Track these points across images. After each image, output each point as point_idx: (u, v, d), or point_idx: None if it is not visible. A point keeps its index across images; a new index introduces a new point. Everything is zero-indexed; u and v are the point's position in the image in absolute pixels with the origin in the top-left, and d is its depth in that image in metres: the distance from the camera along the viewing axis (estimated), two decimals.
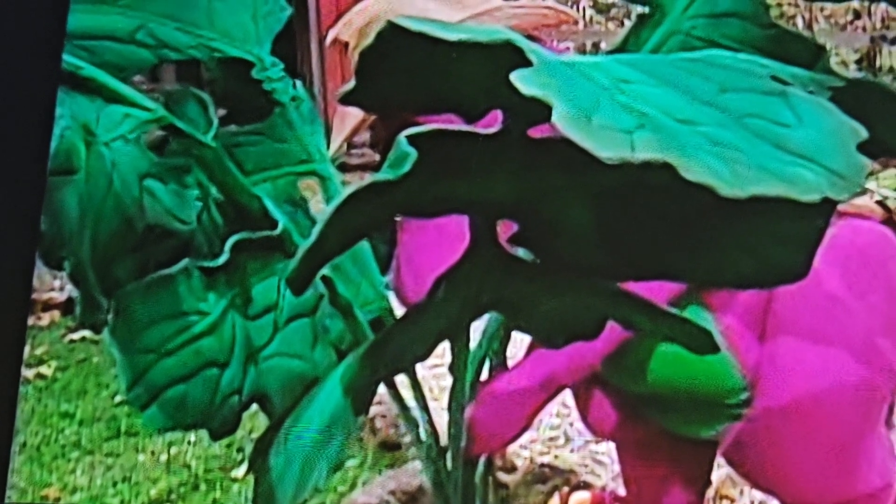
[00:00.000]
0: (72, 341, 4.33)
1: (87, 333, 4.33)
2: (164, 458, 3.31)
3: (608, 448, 3.18)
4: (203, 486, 3.23)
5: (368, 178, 1.04)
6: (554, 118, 0.81)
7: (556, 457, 2.96)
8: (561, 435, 3.28)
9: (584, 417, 1.83)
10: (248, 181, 1.47)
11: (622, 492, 2.19)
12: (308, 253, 1.08)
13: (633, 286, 1.32)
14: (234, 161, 1.45)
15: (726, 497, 2.45)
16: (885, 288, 1.62)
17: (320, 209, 1.52)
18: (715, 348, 1.35)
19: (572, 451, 3.03)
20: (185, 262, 1.35)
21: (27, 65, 1.15)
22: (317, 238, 1.05)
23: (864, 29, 7.82)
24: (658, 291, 1.42)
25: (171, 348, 1.40)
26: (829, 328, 1.57)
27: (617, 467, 3.07)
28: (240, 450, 3.25)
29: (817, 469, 1.60)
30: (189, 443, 3.35)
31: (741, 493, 2.46)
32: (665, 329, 1.38)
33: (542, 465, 2.90)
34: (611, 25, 9.24)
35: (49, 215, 1.28)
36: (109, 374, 3.99)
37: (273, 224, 1.38)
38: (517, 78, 0.84)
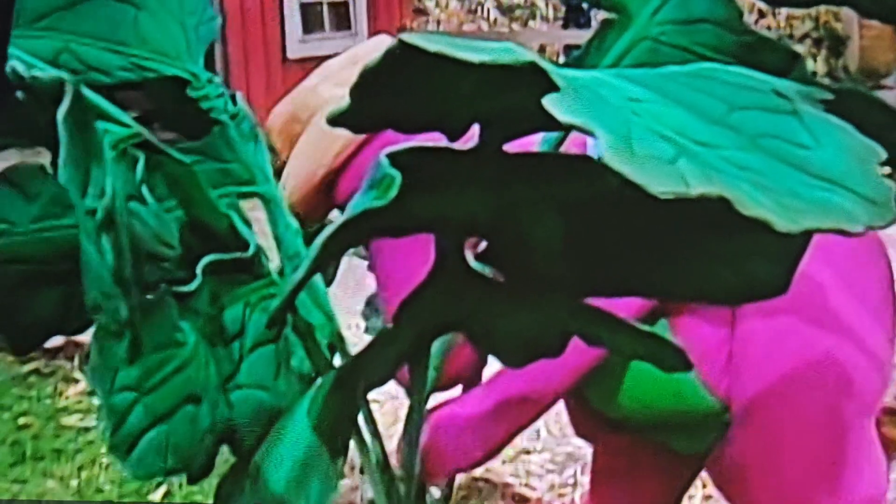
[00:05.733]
0: None
1: None
2: (74, 483, 3.19)
3: (541, 459, 3.17)
4: None
5: (355, 204, 0.98)
6: (599, 150, 0.76)
7: (488, 469, 2.93)
8: None
9: (571, 418, 1.80)
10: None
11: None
12: (297, 285, 1.02)
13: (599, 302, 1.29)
14: None
15: None
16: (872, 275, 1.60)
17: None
18: (688, 365, 1.31)
19: (504, 462, 3.00)
20: (162, 288, 1.25)
21: None
22: (307, 270, 0.99)
23: (769, 28, 7.98)
24: (625, 307, 1.39)
25: (151, 385, 1.31)
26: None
27: (551, 478, 3.07)
28: None
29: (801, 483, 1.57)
30: (101, 466, 3.24)
31: None
32: (633, 346, 1.34)
33: (476, 479, 2.87)
34: (515, 26, 9.32)
35: None
36: (11, 395, 3.85)
37: (242, 245, 1.30)
38: (551, 104, 0.79)
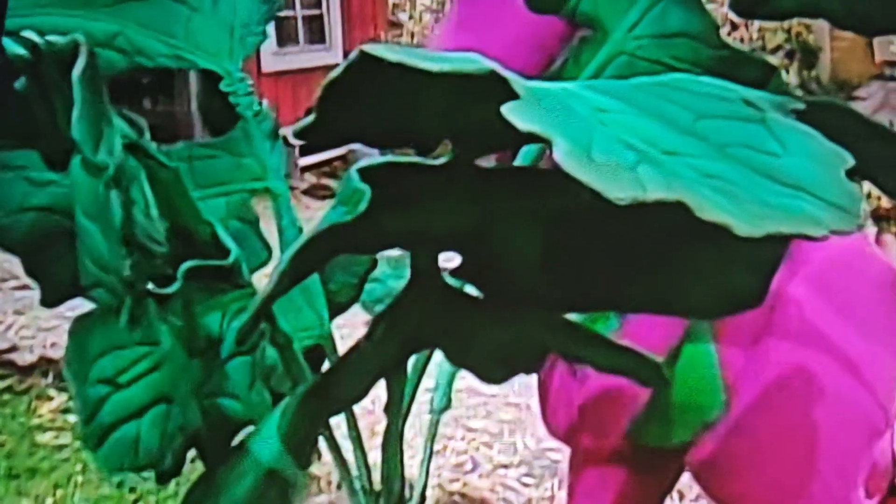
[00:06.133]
0: None
1: None
2: (49, 501, 3.17)
3: (518, 473, 3.17)
4: None
5: (323, 219, 0.97)
6: (557, 157, 0.75)
7: (465, 484, 2.92)
8: (468, 461, 3.27)
9: (545, 415, 1.80)
10: (201, 193, 1.45)
11: None
12: (265, 301, 1.01)
13: (632, 327, 1.28)
14: (189, 176, 1.43)
15: None
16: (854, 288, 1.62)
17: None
18: (665, 382, 1.32)
19: (481, 476, 3.00)
20: (142, 286, 1.27)
21: None
22: (274, 285, 0.99)
23: (741, 40, 8.03)
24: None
25: (126, 380, 1.34)
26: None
27: (529, 492, 3.07)
28: (132, 489, 3.14)
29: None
30: (76, 484, 3.22)
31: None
32: (612, 360, 1.33)
33: (453, 494, 2.85)
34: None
35: None
36: None
37: (223, 253, 1.31)
38: (510, 112, 0.78)
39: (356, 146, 1.14)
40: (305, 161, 9.40)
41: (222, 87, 1.54)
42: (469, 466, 3.17)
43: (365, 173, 0.97)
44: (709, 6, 1.37)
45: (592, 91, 0.92)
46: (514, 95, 0.81)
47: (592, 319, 1.43)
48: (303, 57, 10.24)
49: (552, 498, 2.96)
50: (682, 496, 2.69)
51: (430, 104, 0.94)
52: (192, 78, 8.36)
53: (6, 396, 3.97)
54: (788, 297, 1.55)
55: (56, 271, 1.44)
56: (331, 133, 0.98)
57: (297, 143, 1.00)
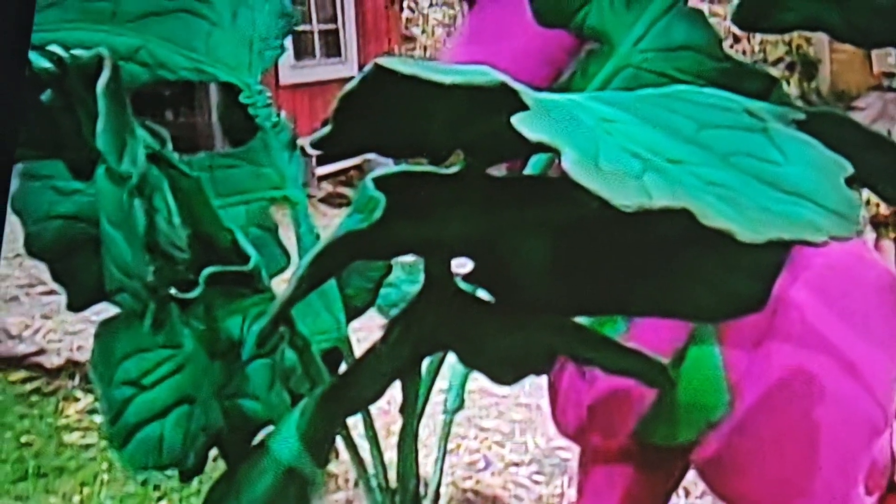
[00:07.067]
0: None
1: None
2: (76, 499, 3.22)
3: (529, 471, 3.20)
4: None
5: (340, 226, 1.01)
6: (565, 166, 0.78)
7: (477, 482, 2.95)
8: (481, 459, 3.31)
9: (555, 414, 1.83)
10: (222, 202, 1.47)
11: None
12: (283, 305, 1.05)
13: (639, 330, 1.31)
14: (210, 184, 1.44)
15: None
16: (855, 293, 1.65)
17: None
18: (671, 383, 1.35)
19: (493, 474, 3.03)
20: (165, 291, 1.30)
21: None
22: (293, 290, 1.02)
23: (744, 52, 8.01)
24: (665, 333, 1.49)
25: (150, 382, 1.38)
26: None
27: (539, 489, 3.10)
28: (156, 487, 3.18)
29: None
30: (102, 482, 3.27)
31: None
32: (619, 362, 1.36)
33: (466, 491, 2.89)
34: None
35: None
36: (14, 414, 3.88)
37: (244, 259, 1.35)
38: (519, 122, 0.81)
39: (371, 156, 1.16)
40: (322, 170, 9.47)
41: (242, 99, 1.57)
42: (482, 465, 3.21)
43: (380, 182, 1.00)
44: (712, 20, 1.39)
45: (599, 102, 0.95)
46: (523, 106, 0.84)
47: (600, 323, 1.45)
48: (319, 70, 10.32)
49: (562, 495, 2.99)
50: (687, 493, 2.73)
51: (442, 115, 0.98)
52: (213, 90, 8.40)
53: (34, 398, 4.03)
54: (790, 301, 1.58)
55: (82, 277, 1.48)
56: (347, 143, 1.01)
57: (314, 153, 1.03)
